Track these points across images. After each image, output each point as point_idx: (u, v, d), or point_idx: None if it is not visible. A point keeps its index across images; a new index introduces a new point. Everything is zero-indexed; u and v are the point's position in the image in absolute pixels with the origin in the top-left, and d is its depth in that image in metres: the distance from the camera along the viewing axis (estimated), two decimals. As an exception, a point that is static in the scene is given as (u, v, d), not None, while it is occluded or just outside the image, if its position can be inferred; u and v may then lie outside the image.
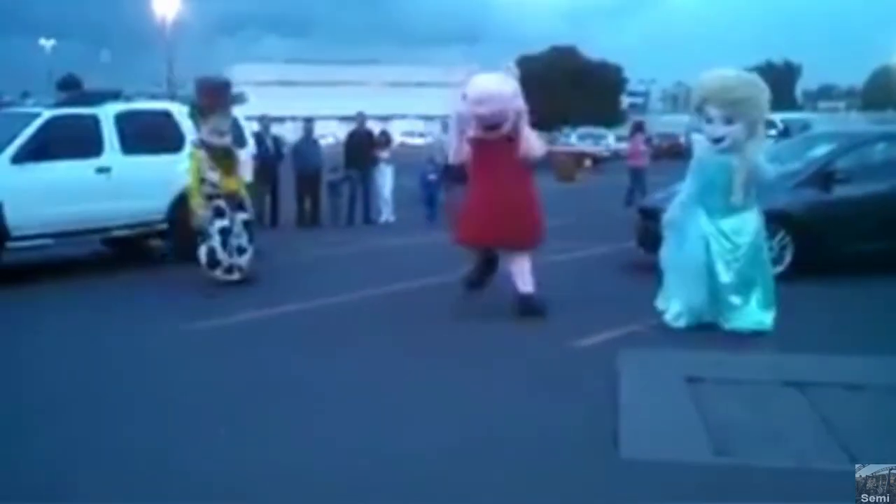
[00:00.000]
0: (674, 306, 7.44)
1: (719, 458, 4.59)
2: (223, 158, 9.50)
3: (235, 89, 10.22)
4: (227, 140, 9.63)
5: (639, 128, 22.81)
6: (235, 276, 9.37)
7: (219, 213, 9.38)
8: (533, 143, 7.98)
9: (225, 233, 9.35)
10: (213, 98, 9.58)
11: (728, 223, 7.31)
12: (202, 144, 9.48)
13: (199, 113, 9.58)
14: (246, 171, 10.01)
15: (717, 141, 7.35)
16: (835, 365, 6.15)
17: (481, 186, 7.94)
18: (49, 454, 4.68)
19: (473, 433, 4.96)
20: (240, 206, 9.61)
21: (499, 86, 7.82)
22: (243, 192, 9.76)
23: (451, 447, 4.76)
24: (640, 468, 4.42)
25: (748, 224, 7.34)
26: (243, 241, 9.51)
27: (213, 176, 9.36)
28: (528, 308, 7.82)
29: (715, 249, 7.29)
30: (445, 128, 20.40)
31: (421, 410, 5.37)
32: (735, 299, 7.26)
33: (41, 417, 5.30)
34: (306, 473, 4.43)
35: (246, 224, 9.61)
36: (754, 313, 7.26)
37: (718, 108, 7.27)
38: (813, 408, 5.24)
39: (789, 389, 5.59)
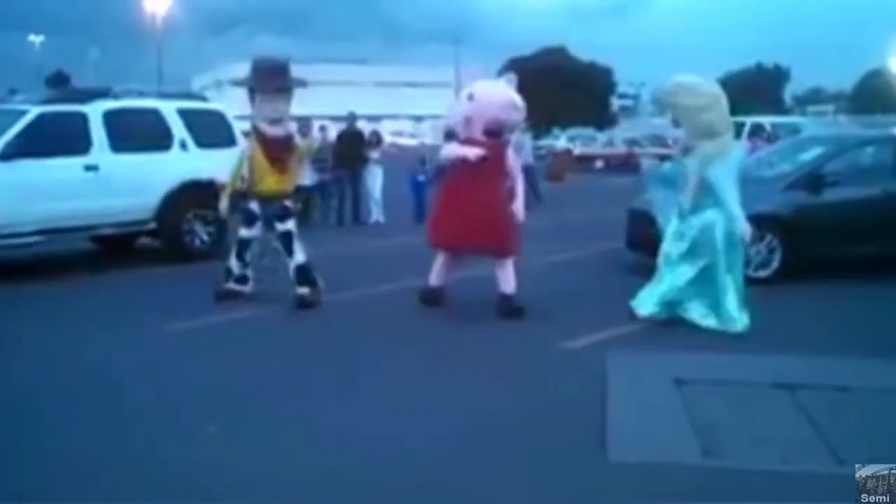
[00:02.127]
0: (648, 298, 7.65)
1: (707, 459, 4.60)
2: (275, 151, 8.41)
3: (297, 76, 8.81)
4: (280, 130, 8.48)
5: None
6: (246, 287, 8.63)
7: (248, 220, 8.48)
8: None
9: (244, 245, 8.54)
10: (265, 80, 8.44)
11: (692, 221, 7.50)
12: (255, 132, 8.51)
13: (251, 97, 8.62)
14: (301, 172, 8.78)
15: (675, 142, 7.67)
16: (823, 367, 6.17)
17: (457, 191, 7.94)
18: (40, 455, 4.66)
19: (461, 435, 4.96)
20: (279, 216, 8.42)
21: (518, 97, 7.94)
22: (287, 195, 8.55)
23: (438, 450, 4.76)
24: (628, 470, 4.43)
25: (711, 223, 7.43)
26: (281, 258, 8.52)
27: (246, 171, 8.44)
28: (508, 308, 7.87)
29: (682, 247, 7.52)
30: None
31: (408, 413, 5.36)
32: (703, 296, 7.47)
33: (29, 418, 5.27)
34: (295, 471, 4.42)
35: (283, 236, 8.44)
36: (726, 313, 7.38)
37: (669, 110, 7.52)
38: (800, 409, 5.26)
39: (777, 391, 5.61)
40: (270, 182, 8.37)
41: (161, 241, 11.29)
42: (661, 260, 7.70)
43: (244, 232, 8.53)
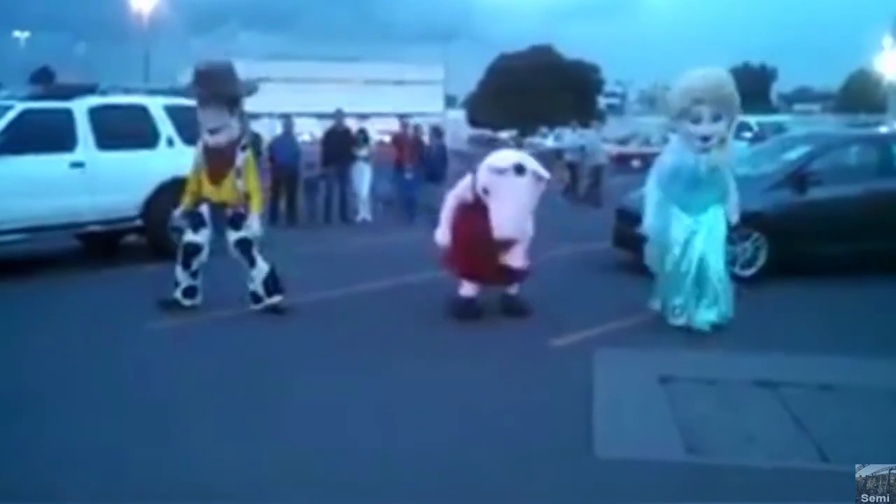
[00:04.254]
0: (675, 300, 7.47)
1: (692, 456, 4.62)
2: (214, 161, 7.90)
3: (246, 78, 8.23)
4: (219, 139, 7.83)
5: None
6: (193, 301, 8.07)
7: (196, 225, 8.01)
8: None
9: (190, 250, 8.00)
10: (202, 87, 7.89)
11: (706, 218, 7.41)
12: (201, 141, 8.04)
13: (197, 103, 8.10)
14: (244, 180, 7.91)
15: (706, 139, 7.35)
16: (807, 365, 6.21)
17: (471, 226, 7.75)
18: (25, 454, 4.65)
19: (448, 432, 4.97)
20: (232, 222, 7.90)
21: (520, 215, 7.69)
22: (235, 202, 7.90)
23: (424, 448, 4.77)
24: (614, 467, 4.45)
25: (720, 219, 7.45)
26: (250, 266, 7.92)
27: (199, 179, 8.00)
28: (511, 307, 7.93)
29: (699, 246, 7.38)
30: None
31: (394, 411, 5.36)
32: (713, 292, 7.38)
33: (13, 416, 5.26)
34: (284, 470, 4.42)
35: (240, 243, 7.88)
36: (721, 307, 7.41)
37: (709, 106, 7.29)
38: (785, 407, 5.30)
39: (761, 389, 5.64)
40: (209, 191, 7.95)
41: (147, 239, 11.25)
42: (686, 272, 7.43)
43: (190, 236, 8.03)
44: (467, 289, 7.93)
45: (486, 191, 7.61)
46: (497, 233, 7.56)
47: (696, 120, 7.35)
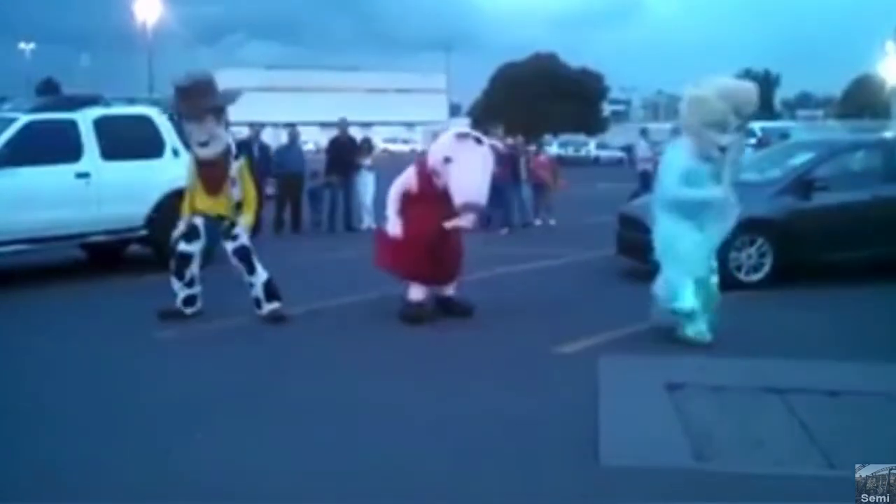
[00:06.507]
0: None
1: (699, 463, 4.60)
2: (209, 173, 7.98)
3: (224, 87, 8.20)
4: (209, 151, 7.88)
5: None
6: (194, 308, 8.15)
7: (190, 236, 8.06)
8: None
9: (184, 259, 8.06)
10: (184, 102, 7.91)
11: (707, 225, 7.13)
12: (192, 154, 8.11)
13: (179, 117, 8.12)
14: (240, 188, 8.04)
15: (724, 150, 7.08)
16: (814, 371, 6.19)
17: (419, 220, 7.85)
18: (37, 459, 4.66)
19: (453, 439, 4.96)
20: (227, 234, 8.00)
21: (485, 183, 7.91)
22: (230, 214, 7.98)
23: (429, 454, 4.76)
24: (621, 475, 4.43)
25: (719, 228, 7.24)
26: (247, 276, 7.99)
27: (193, 192, 8.10)
28: (452, 308, 8.08)
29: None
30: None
31: (399, 418, 5.35)
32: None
33: (23, 423, 5.26)
34: (284, 477, 4.41)
35: (238, 251, 7.97)
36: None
37: (739, 117, 7.08)
38: (792, 414, 5.27)
39: (769, 395, 5.62)
40: (207, 204, 8.02)
41: (152, 249, 11.25)
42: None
43: (183, 246, 8.06)
44: (416, 292, 7.99)
45: (447, 159, 7.78)
46: (458, 198, 7.69)
47: (723, 129, 7.03)
